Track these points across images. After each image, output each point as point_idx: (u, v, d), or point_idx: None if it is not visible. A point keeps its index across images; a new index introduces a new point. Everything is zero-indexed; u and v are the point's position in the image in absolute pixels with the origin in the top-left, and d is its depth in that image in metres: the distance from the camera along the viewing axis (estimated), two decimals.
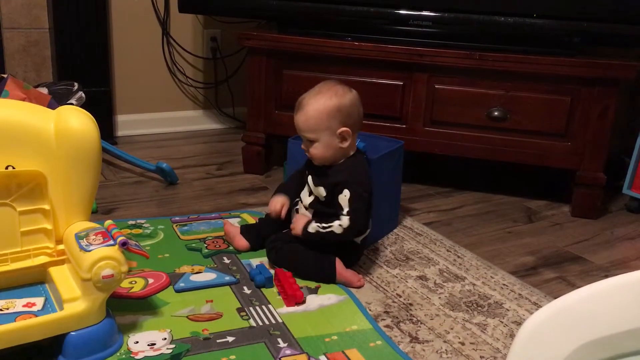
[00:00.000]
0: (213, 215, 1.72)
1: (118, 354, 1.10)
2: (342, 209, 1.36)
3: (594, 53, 1.90)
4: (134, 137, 2.47)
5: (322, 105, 1.37)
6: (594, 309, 0.73)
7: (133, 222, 1.64)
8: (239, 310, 1.26)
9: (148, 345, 1.13)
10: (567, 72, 1.80)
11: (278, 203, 1.46)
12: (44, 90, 1.84)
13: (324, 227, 1.36)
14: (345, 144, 1.39)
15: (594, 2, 1.83)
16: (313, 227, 1.37)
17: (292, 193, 1.49)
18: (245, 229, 1.53)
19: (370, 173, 1.43)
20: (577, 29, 1.86)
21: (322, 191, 1.40)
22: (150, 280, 1.34)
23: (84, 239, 1.08)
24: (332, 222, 1.36)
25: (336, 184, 1.37)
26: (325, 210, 1.40)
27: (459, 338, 1.23)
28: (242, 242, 1.51)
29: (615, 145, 2.03)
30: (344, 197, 1.35)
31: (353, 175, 1.37)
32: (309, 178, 1.44)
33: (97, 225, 1.14)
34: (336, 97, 1.37)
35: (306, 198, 1.45)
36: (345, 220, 1.34)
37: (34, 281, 1.15)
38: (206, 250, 1.50)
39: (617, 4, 1.82)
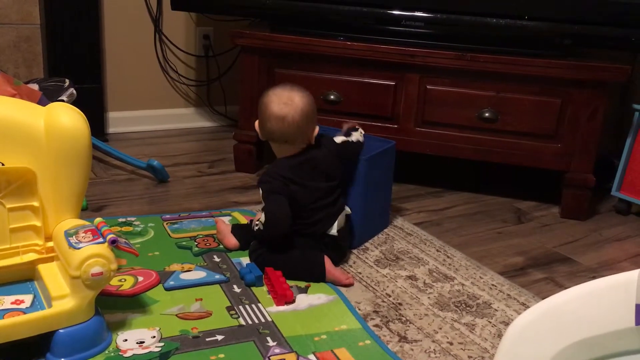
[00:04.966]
0: (204, 213, 1.72)
1: (107, 351, 1.10)
2: None
3: (584, 55, 1.91)
4: (126, 134, 2.46)
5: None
6: (581, 310, 0.73)
7: (123, 220, 1.64)
8: (229, 308, 1.26)
9: (137, 343, 1.13)
10: (558, 74, 1.81)
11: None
12: (35, 87, 1.83)
13: (256, 224, 1.43)
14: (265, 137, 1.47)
15: (584, 4, 1.84)
16: (254, 224, 1.45)
17: None
18: (236, 228, 1.54)
19: (296, 170, 1.42)
20: (567, 31, 1.87)
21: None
22: (140, 278, 1.34)
23: (74, 236, 1.08)
24: (259, 218, 1.43)
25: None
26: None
27: (448, 338, 1.23)
28: (232, 241, 1.51)
29: (605, 147, 2.05)
30: (260, 194, 1.43)
31: (265, 174, 1.43)
32: None
33: (87, 223, 1.13)
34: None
35: None
36: (262, 216, 1.40)
37: (22, 278, 1.14)
38: (196, 249, 1.50)
39: (607, 7, 1.83)
